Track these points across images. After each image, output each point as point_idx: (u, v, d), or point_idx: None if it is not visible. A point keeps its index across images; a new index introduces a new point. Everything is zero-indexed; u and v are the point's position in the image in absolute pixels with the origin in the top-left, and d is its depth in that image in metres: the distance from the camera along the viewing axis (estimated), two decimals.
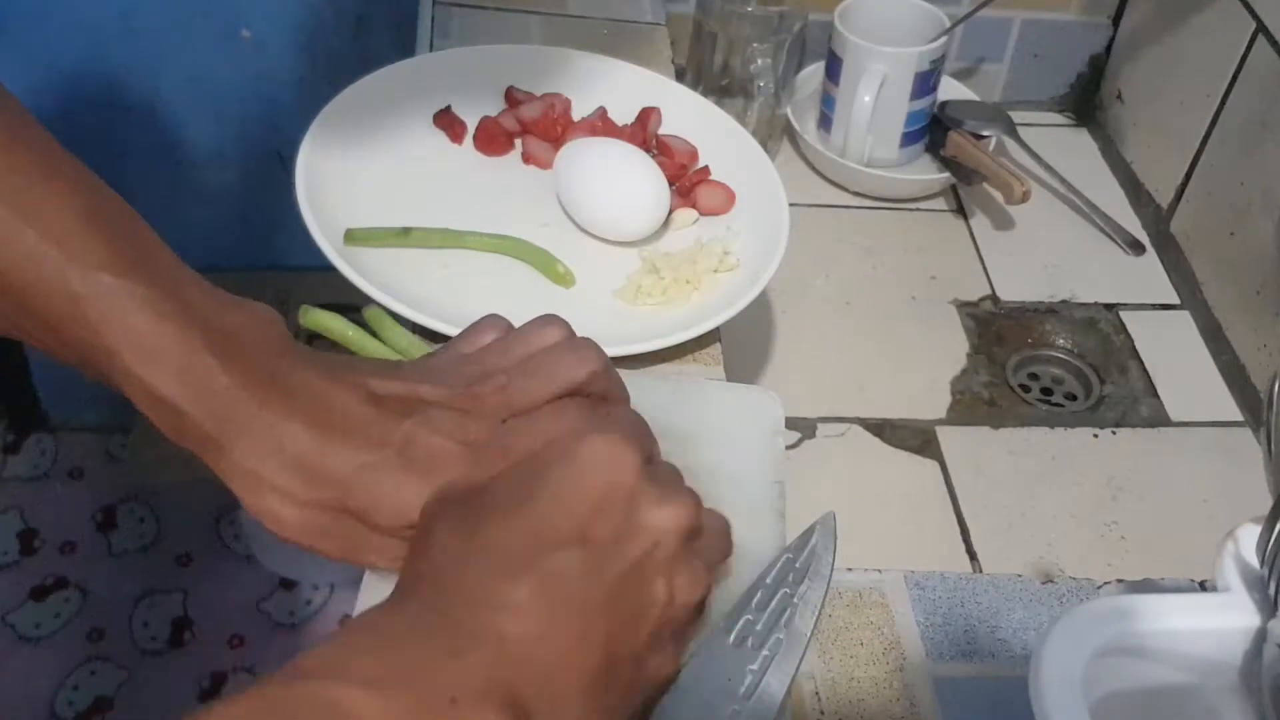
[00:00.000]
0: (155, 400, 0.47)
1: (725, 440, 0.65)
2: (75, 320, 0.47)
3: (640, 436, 0.52)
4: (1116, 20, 1.11)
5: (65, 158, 0.51)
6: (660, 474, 0.49)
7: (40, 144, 0.50)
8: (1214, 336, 0.93)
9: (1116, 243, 1.02)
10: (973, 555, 0.78)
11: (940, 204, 1.05)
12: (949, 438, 0.85)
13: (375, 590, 0.56)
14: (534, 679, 0.40)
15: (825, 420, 0.85)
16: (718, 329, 0.71)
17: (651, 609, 0.45)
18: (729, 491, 0.62)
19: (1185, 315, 0.96)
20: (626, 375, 0.67)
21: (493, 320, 0.55)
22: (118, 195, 0.51)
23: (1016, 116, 1.07)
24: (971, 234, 1.02)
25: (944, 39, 0.98)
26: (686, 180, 0.80)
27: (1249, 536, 0.51)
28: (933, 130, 1.03)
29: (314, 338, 0.63)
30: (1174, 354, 0.93)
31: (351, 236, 0.71)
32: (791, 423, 0.84)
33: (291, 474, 0.48)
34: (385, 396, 0.50)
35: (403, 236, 0.72)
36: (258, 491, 0.48)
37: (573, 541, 0.43)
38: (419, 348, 0.65)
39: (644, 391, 0.66)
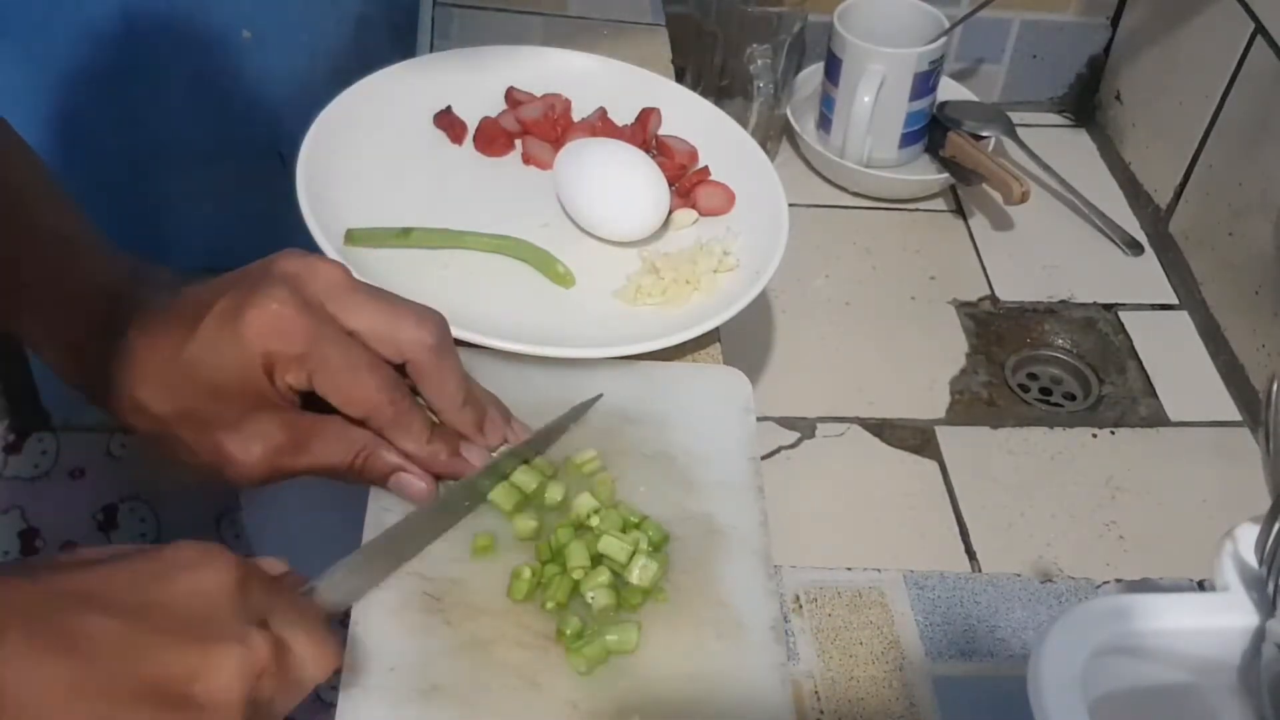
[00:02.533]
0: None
1: (698, 421, 0.66)
2: None
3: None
4: (1115, 21, 1.11)
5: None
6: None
7: None
8: (1212, 336, 0.93)
9: (1115, 243, 1.02)
10: (972, 555, 0.78)
11: (939, 204, 1.05)
12: (948, 438, 0.85)
13: (375, 600, 0.56)
14: None
15: (825, 420, 0.85)
16: (717, 329, 0.71)
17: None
18: (707, 472, 0.63)
19: (1184, 315, 0.96)
20: (620, 367, 0.68)
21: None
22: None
23: (1015, 117, 1.07)
24: (971, 234, 1.02)
25: (943, 40, 0.98)
26: (686, 180, 0.80)
27: (1247, 536, 0.51)
28: (932, 131, 1.03)
29: None
30: (1172, 354, 0.93)
31: (351, 236, 0.71)
32: (791, 423, 0.84)
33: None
34: None
35: (403, 236, 0.73)
36: (116, 400, 0.55)
37: (109, 609, 0.42)
38: None
39: (612, 379, 0.67)
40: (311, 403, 0.57)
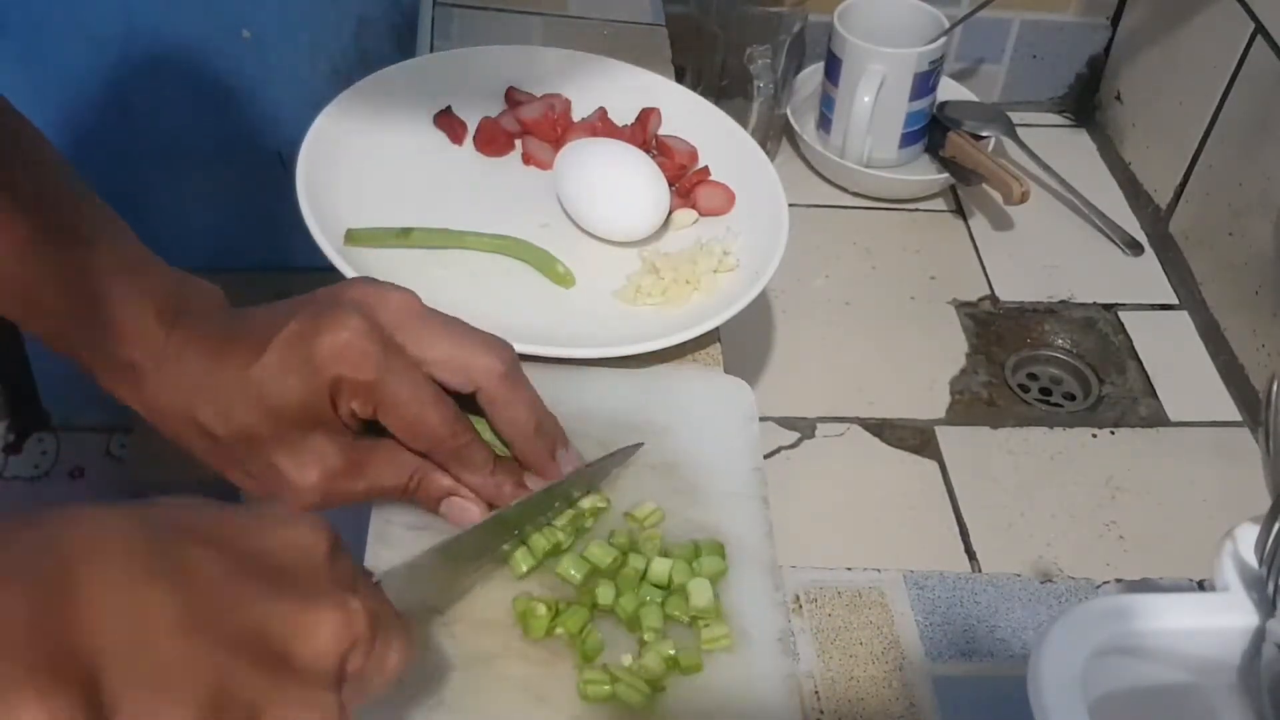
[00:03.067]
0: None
1: (702, 430, 0.66)
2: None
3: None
4: (1115, 21, 1.11)
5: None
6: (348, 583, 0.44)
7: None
8: (1212, 336, 0.93)
9: (1115, 243, 1.02)
10: (972, 555, 0.78)
11: (939, 204, 1.05)
12: (948, 437, 0.85)
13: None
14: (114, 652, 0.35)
15: (825, 420, 0.85)
16: (717, 329, 0.71)
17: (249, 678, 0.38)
18: (711, 481, 0.63)
19: (1184, 315, 0.96)
20: (622, 375, 0.68)
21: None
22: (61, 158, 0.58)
23: (1015, 117, 1.07)
24: (970, 234, 1.02)
25: (943, 40, 0.98)
26: (686, 180, 0.80)
27: (1247, 536, 0.51)
28: (932, 131, 1.03)
29: None
30: (1172, 354, 0.93)
31: (352, 237, 0.71)
32: (791, 423, 0.84)
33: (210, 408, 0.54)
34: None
35: (403, 236, 0.73)
36: (174, 420, 0.55)
37: (217, 546, 0.39)
38: None
39: (614, 386, 0.67)
40: (367, 427, 0.57)
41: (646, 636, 0.55)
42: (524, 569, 0.57)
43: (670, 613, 0.56)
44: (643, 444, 0.64)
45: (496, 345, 0.57)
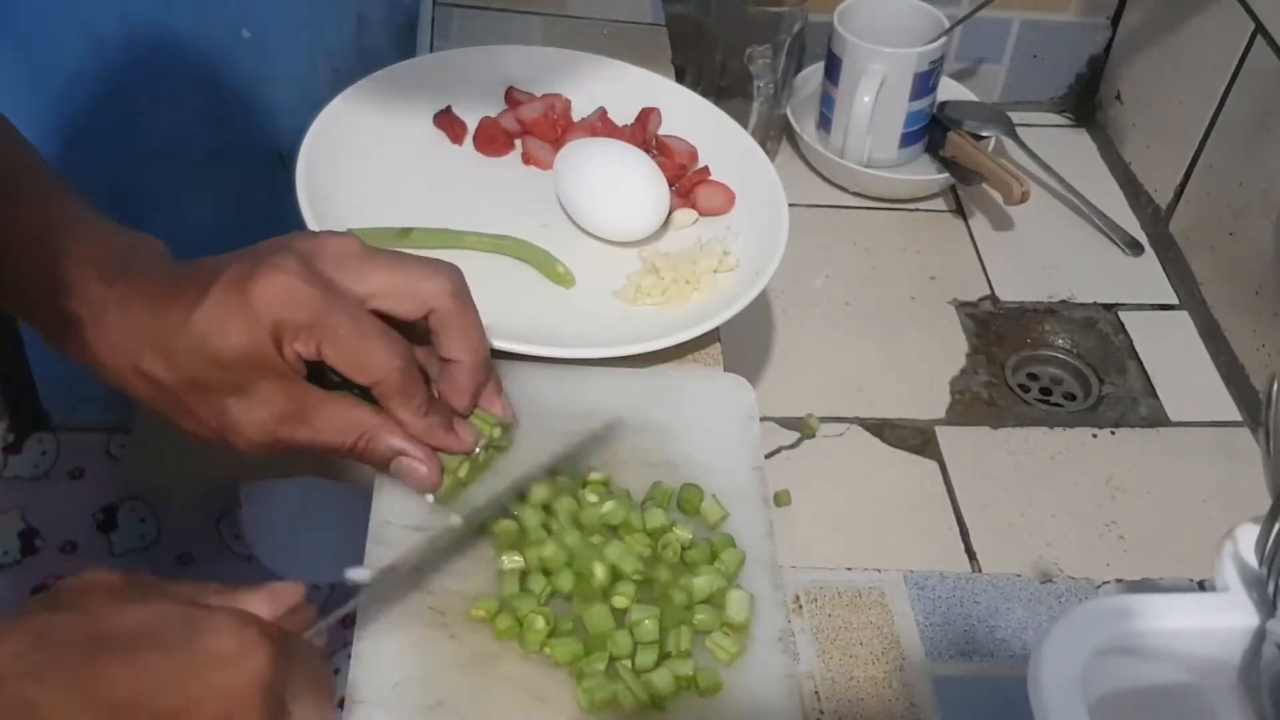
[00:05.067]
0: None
1: (702, 430, 0.65)
2: None
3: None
4: (1115, 21, 1.11)
5: None
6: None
7: None
8: (1213, 336, 0.93)
9: (1115, 243, 1.02)
10: (972, 555, 0.78)
11: (939, 204, 1.05)
12: (948, 437, 0.85)
13: (379, 615, 0.56)
14: None
15: (825, 420, 0.85)
16: (717, 329, 0.71)
17: None
18: (711, 481, 0.63)
19: (1184, 315, 0.96)
20: (619, 373, 0.67)
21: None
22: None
23: (1015, 117, 1.07)
24: (971, 234, 1.02)
25: (943, 39, 0.98)
26: (686, 180, 0.80)
27: (1248, 536, 0.51)
28: (932, 131, 1.03)
29: None
30: (1173, 354, 0.93)
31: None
32: (791, 423, 0.84)
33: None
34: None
35: (403, 236, 0.73)
36: (120, 371, 0.55)
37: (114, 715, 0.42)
38: None
39: (613, 386, 0.67)
40: (318, 383, 0.57)
41: (672, 652, 0.55)
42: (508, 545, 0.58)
43: (702, 627, 0.56)
44: (622, 419, 0.65)
45: (445, 268, 0.58)
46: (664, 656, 0.55)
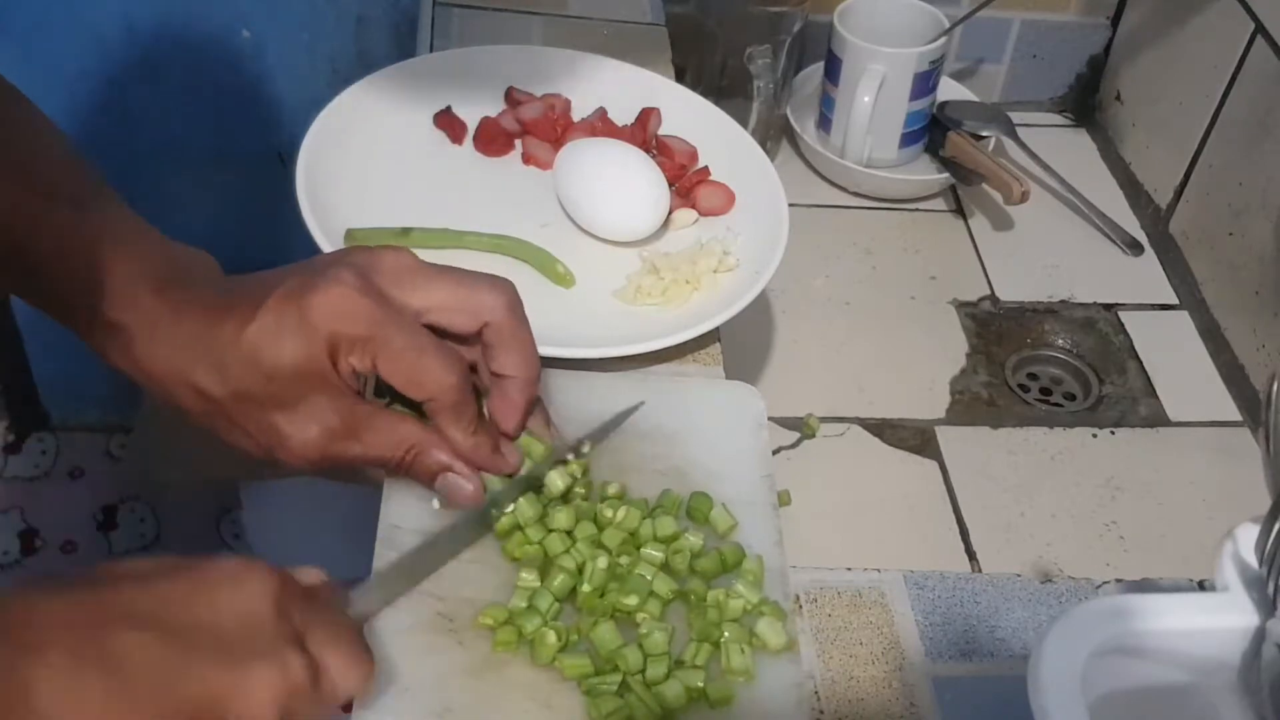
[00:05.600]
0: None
1: (712, 437, 0.65)
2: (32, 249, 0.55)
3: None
4: (1115, 21, 1.11)
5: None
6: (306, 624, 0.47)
7: None
8: (1212, 336, 0.93)
9: (1115, 243, 1.02)
10: (972, 555, 0.78)
11: (939, 204, 1.05)
12: (948, 437, 0.85)
13: (388, 620, 0.56)
14: None
15: (825, 420, 0.85)
16: (717, 329, 0.71)
17: None
18: (721, 489, 0.63)
19: (1184, 315, 0.96)
20: (629, 378, 0.67)
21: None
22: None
23: (1015, 117, 1.07)
24: (971, 234, 1.02)
25: (943, 39, 0.98)
26: (686, 180, 0.80)
27: (1248, 536, 0.51)
28: (932, 131, 1.03)
29: None
30: (1173, 354, 0.93)
31: (351, 236, 0.71)
32: (791, 423, 0.84)
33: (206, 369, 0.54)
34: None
35: (403, 236, 0.73)
36: (169, 382, 0.55)
37: (150, 628, 0.43)
38: None
39: (623, 392, 0.66)
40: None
41: (686, 662, 0.55)
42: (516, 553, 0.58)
43: (735, 649, 0.55)
44: (643, 402, 0.64)
45: (501, 282, 0.58)
46: (677, 666, 0.55)
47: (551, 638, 0.54)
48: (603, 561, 0.57)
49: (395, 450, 0.57)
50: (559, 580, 0.56)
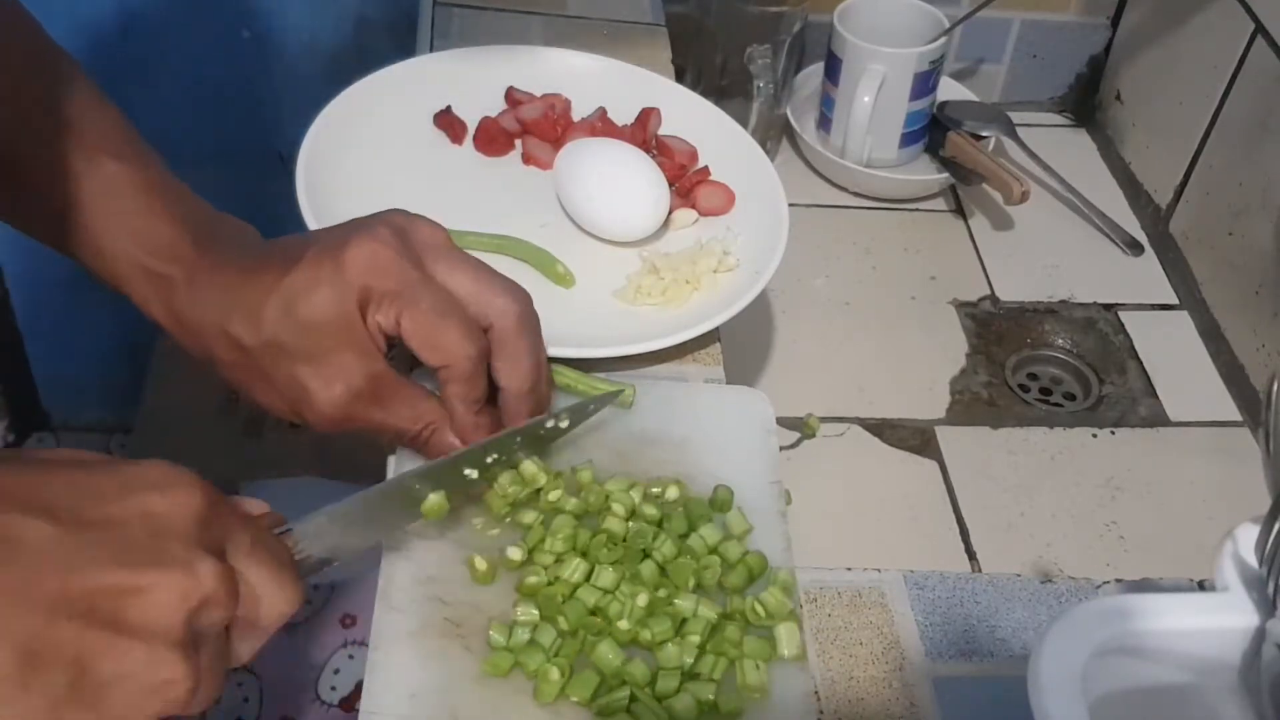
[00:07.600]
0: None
1: (720, 443, 0.65)
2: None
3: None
4: (1115, 21, 1.11)
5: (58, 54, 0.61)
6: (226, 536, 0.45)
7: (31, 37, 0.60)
8: (1212, 336, 0.93)
9: (1115, 243, 1.02)
10: (972, 555, 0.78)
11: (939, 204, 1.05)
12: (948, 437, 0.85)
13: (395, 625, 0.56)
14: None
15: (825, 420, 0.85)
16: (717, 329, 0.71)
17: (93, 656, 0.40)
18: (729, 495, 0.63)
19: (1184, 315, 0.96)
20: (638, 386, 0.67)
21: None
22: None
23: (1015, 117, 1.07)
24: (971, 234, 1.02)
25: (943, 39, 0.98)
26: (686, 180, 0.80)
27: (1248, 536, 0.51)
28: (932, 130, 1.03)
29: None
30: (1173, 354, 0.93)
31: None
32: (791, 423, 0.84)
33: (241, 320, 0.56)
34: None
35: None
36: (204, 333, 0.57)
37: (51, 517, 0.41)
38: None
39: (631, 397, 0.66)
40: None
41: (701, 675, 0.54)
42: (503, 511, 0.58)
43: (750, 666, 0.55)
44: (624, 389, 0.65)
45: (516, 289, 0.59)
46: (690, 678, 0.54)
47: (555, 674, 0.53)
48: (643, 599, 0.56)
49: (415, 424, 0.58)
50: (574, 616, 0.55)
